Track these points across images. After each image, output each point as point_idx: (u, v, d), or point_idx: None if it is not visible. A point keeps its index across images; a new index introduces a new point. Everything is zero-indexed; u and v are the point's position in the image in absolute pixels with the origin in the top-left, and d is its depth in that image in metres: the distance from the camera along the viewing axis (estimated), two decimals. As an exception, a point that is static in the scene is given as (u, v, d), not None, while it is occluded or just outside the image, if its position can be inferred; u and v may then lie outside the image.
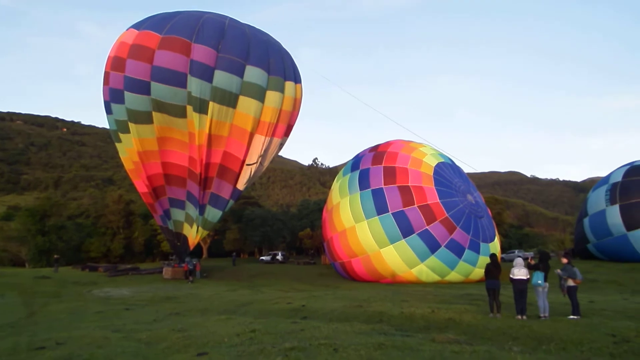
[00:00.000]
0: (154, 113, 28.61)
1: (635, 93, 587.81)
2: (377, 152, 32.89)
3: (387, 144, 34.08)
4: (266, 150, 31.65)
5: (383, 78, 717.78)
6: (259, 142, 30.53)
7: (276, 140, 32.13)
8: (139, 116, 28.84)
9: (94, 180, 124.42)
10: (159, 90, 27.86)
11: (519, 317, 11.42)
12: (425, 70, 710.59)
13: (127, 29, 30.07)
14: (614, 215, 36.68)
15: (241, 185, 31.69)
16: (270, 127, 30.65)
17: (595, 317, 11.68)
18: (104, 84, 30.35)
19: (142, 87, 28.01)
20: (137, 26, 29.60)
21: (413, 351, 6.95)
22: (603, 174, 47.73)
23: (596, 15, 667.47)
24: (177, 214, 32.63)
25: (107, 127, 33.40)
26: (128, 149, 31.15)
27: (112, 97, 29.60)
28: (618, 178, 38.47)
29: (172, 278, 33.38)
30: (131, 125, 29.42)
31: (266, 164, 34.30)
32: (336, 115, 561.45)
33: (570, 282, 11.72)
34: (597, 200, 39.52)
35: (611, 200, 37.48)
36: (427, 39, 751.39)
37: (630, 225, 35.52)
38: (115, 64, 29.02)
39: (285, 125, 32.13)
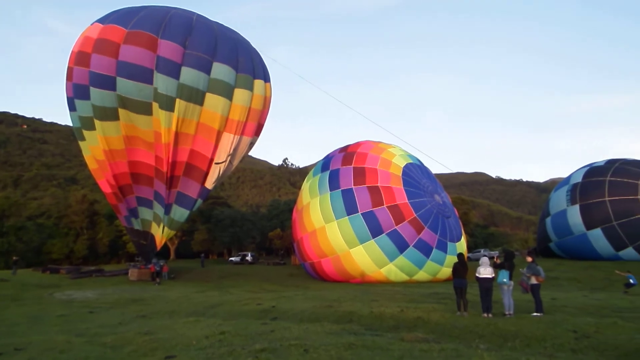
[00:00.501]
0: (119, 110, 27.91)
1: (595, 97, 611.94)
2: (347, 153, 33.08)
3: (357, 144, 34.31)
4: (235, 149, 31.31)
5: (354, 77, 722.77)
6: (228, 141, 30.14)
7: (246, 139, 31.81)
8: (105, 113, 28.07)
9: (56, 180, 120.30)
10: (124, 85, 27.20)
11: (485, 315, 11.67)
12: (396, 70, 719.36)
13: (92, 24, 29.28)
14: (575, 215, 38.05)
15: (209, 184, 31.22)
16: (240, 126, 30.31)
17: (557, 313, 12.06)
18: (67, 79, 29.41)
19: (108, 83, 27.29)
20: (102, 20, 28.84)
21: (383, 350, 7.01)
22: (564, 175, 49.43)
23: (564, 15, 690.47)
24: (145, 213, 31.88)
25: (70, 124, 32.35)
26: (92, 146, 30.25)
27: (76, 93, 28.70)
28: (578, 179, 39.91)
29: (138, 280, 32.67)
30: (97, 122, 28.61)
31: (236, 163, 33.93)
32: (306, 116, 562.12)
33: (534, 280, 12.06)
34: (558, 200, 40.91)
35: (572, 201, 38.86)
36: (398, 38, 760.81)
37: (589, 225, 36.92)
38: (80, 59, 28.17)
39: (255, 124, 31.86)
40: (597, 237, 36.41)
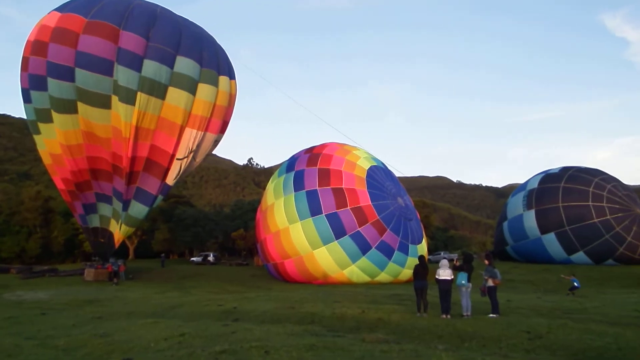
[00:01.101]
0: (78, 103, 26.98)
1: (550, 106, 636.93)
2: (312, 154, 33.13)
3: (322, 146, 34.42)
4: (199, 146, 30.85)
5: (319, 81, 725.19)
6: (190, 136, 29.63)
7: (210, 136, 31.40)
8: (63, 105, 27.09)
9: (8, 175, 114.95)
10: (83, 77, 26.34)
11: (444, 316, 11.92)
12: (360, 76, 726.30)
13: (50, 12, 28.25)
14: (530, 220, 39.48)
15: (170, 180, 30.61)
16: (203, 122, 29.85)
17: (512, 315, 12.47)
18: (22, 70, 28.23)
19: (66, 73, 26.37)
20: (61, 9, 27.89)
21: (344, 351, 7.05)
22: (521, 180, 51.22)
23: (519, 29, 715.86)
24: (105, 209, 30.91)
25: (25, 117, 31.04)
26: (48, 140, 29.10)
27: (32, 84, 27.59)
28: (534, 185, 41.42)
29: (94, 280, 31.68)
30: (54, 115, 27.57)
31: (199, 160, 33.43)
32: (272, 116, 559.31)
33: (490, 283, 12.43)
34: (515, 205, 42.33)
35: (528, 206, 40.29)
36: (362, 45, 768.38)
37: (544, 229, 38.39)
38: (36, 48, 27.11)
39: (220, 121, 31.50)
40: (551, 241, 37.89)
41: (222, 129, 32.71)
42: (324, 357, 6.66)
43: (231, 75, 31.92)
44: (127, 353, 7.53)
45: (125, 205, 29.68)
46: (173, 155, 29.57)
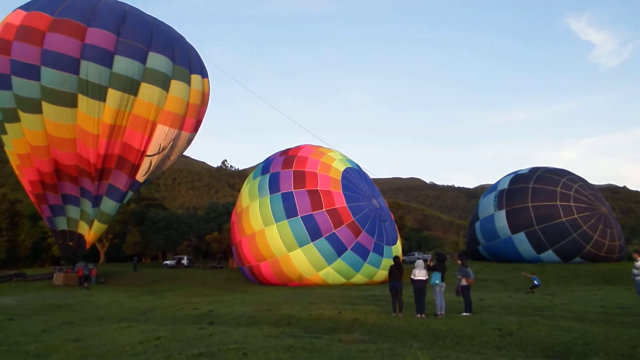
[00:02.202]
0: (42, 102, 26.35)
1: (519, 107, 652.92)
2: (288, 156, 33.14)
3: (298, 148, 34.47)
4: (173, 144, 30.57)
5: (293, 82, 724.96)
6: (162, 133, 29.28)
7: (184, 135, 31.17)
8: (29, 104, 26.40)
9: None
10: (49, 75, 25.75)
11: (419, 315, 12.13)
12: (335, 78, 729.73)
13: (14, 10, 27.53)
14: (501, 220, 40.46)
15: (140, 176, 30.23)
16: (177, 119, 29.60)
17: (484, 313, 12.77)
18: None
19: (32, 72, 25.73)
20: (26, 7, 27.20)
21: (321, 352, 7.13)
22: (492, 181, 52.38)
23: (486, 34, 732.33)
24: (72, 211, 30.20)
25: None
26: (15, 140, 28.29)
27: None
28: (505, 185, 42.46)
29: (64, 284, 30.91)
30: (21, 114, 26.88)
31: (173, 158, 33.11)
32: (246, 118, 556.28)
33: (464, 282, 12.71)
34: (486, 205, 43.29)
35: (498, 206, 41.27)
36: (336, 45, 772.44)
37: (514, 228, 39.40)
38: (0, 46, 26.38)
39: (194, 120, 31.33)
40: (521, 241, 38.90)
41: (196, 128, 32.52)
42: (302, 358, 6.71)
43: (203, 73, 31.76)
44: (102, 358, 7.41)
45: (97, 202, 29.21)
46: (144, 152, 29.19)
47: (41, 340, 9.77)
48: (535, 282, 22.58)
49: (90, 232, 30.34)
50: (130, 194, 31.11)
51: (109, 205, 29.79)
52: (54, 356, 7.88)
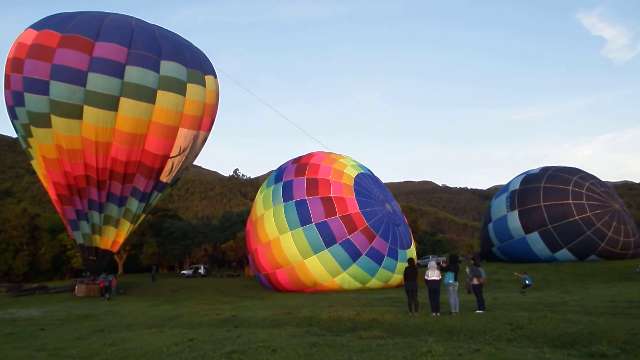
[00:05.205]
0: (51, 116, 27.42)
1: (531, 107, 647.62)
2: (300, 164, 33.74)
3: (309, 155, 35.05)
4: (193, 145, 31.58)
5: (303, 87, 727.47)
6: (182, 135, 30.36)
7: (202, 134, 32.34)
8: (39, 119, 27.55)
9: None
10: (57, 89, 26.80)
11: (434, 314, 12.62)
12: (345, 81, 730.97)
13: (25, 30, 28.75)
14: (514, 220, 40.59)
15: (164, 177, 31.33)
16: (195, 120, 30.65)
17: (497, 310, 13.24)
18: (5, 87, 28.77)
19: (41, 87, 26.87)
20: (37, 27, 28.36)
21: (344, 347, 7.69)
22: (505, 181, 52.39)
23: (499, 34, 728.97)
24: (96, 218, 31.09)
25: (5, 134, 31.30)
26: (46, 145, 29.50)
27: (15, 101, 28.10)
28: (516, 186, 42.60)
29: (86, 296, 31.68)
30: (33, 129, 28.09)
31: (193, 158, 34.23)
32: (257, 125, 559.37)
33: (475, 281, 13.23)
34: (499, 206, 43.45)
35: (511, 207, 41.41)
36: (345, 48, 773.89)
37: (527, 229, 39.50)
38: (14, 65, 27.68)
39: (210, 119, 32.57)
40: (535, 240, 38.98)
41: (211, 126, 33.68)
42: (327, 352, 7.28)
43: (214, 73, 32.97)
44: (142, 358, 8.01)
45: (122, 202, 30.28)
46: (167, 156, 30.28)
47: (79, 346, 10.36)
48: (527, 281, 22.49)
49: (118, 232, 31.33)
50: (157, 194, 32.15)
51: (134, 204, 30.87)
52: (97, 358, 8.50)
